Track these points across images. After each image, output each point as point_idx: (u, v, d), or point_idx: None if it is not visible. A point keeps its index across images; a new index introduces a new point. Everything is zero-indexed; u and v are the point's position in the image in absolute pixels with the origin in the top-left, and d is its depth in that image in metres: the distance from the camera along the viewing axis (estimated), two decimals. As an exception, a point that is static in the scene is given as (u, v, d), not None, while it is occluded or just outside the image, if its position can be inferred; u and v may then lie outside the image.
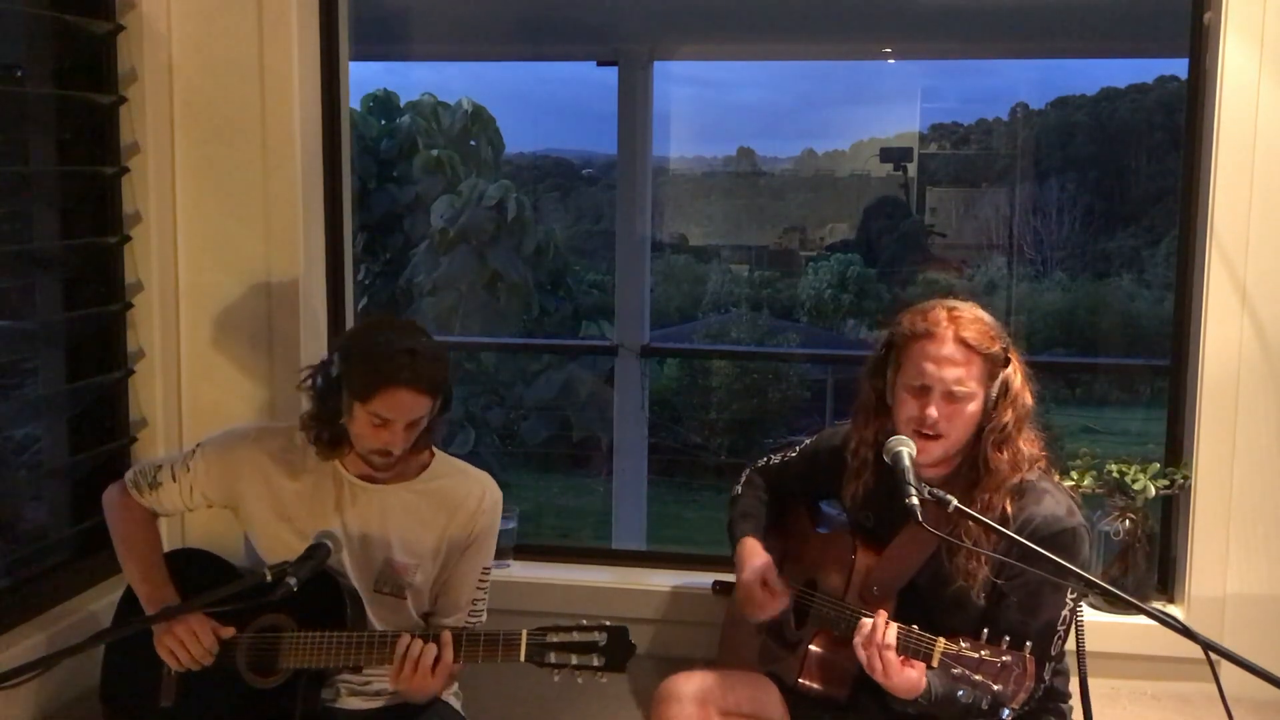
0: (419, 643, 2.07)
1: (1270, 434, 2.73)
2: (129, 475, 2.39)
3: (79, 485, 2.88)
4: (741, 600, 2.38)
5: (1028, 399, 2.16)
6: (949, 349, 2.10)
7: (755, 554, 2.39)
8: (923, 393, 2.11)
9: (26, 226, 2.84)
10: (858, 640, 2.01)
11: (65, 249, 2.85)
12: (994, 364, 2.12)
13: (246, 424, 2.41)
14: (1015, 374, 2.14)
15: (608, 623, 2.00)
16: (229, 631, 2.19)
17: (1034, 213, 7.53)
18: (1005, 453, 2.13)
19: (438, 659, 2.07)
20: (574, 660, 1.97)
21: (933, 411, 2.09)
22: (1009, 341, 2.16)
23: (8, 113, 2.71)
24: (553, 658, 1.98)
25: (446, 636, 2.08)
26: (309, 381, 2.28)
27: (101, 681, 2.36)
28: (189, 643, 2.16)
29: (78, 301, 2.86)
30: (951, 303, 2.17)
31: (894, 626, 1.99)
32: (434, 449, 2.37)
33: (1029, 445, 2.16)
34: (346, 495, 2.29)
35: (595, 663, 1.97)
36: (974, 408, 2.12)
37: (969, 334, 2.10)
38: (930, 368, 2.10)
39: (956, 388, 2.09)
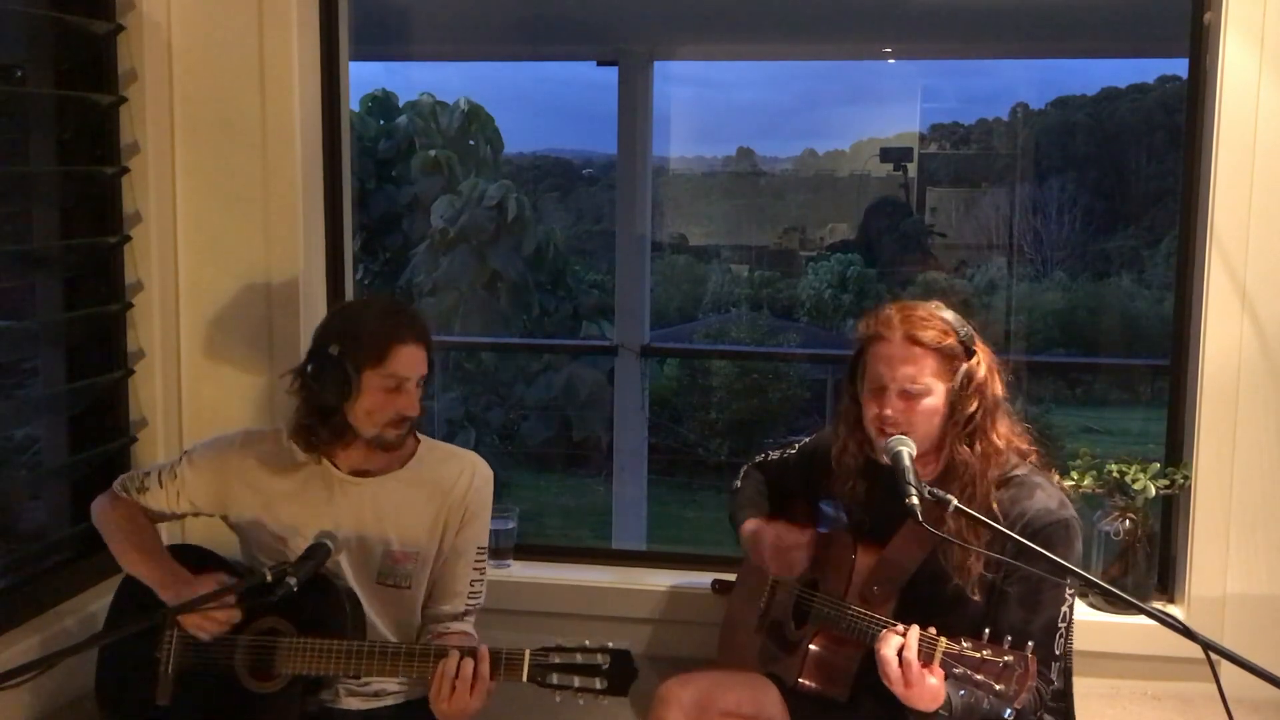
0: (455, 657, 2.03)
1: (1270, 434, 2.73)
2: (116, 482, 2.40)
3: (79, 485, 2.87)
4: (775, 553, 2.35)
5: (997, 389, 2.18)
6: (899, 348, 2.13)
7: (763, 525, 2.41)
8: (880, 393, 2.14)
9: (26, 226, 2.83)
10: (886, 651, 1.96)
11: (65, 249, 2.85)
12: (951, 358, 2.14)
13: (233, 431, 2.41)
14: (979, 365, 2.16)
15: (611, 645, 1.98)
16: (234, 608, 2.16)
17: (1034, 213, 7.53)
18: (977, 445, 2.14)
19: (477, 674, 2.02)
20: (576, 683, 1.96)
21: (889, 410, 2.12)
22: (971, 334, 2.17)
23: (8, 113, 2.71)
24: (555, 679, 1.97)
25: (484, 651, 2.04)
26: (298, 380, 2.26)
27: (97, 683, 2.35)
28: (208, 619, 2.15)
29: (78, 301, 2.86)
30: (905, 302, 2.21)
31: (914, 630, 1.97)
32: (418, 435, 2.37)
33: (1008, 438, 2.17)
34: (337, 492, 2.29)
35: (598, 686, 1.96)
36: (933, 402, 2.13)
37: (918, 331, 2.13)
38: (883, 368, 2.14)
39: (909, 385, 2.12)
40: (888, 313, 2.18)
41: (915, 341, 2.12)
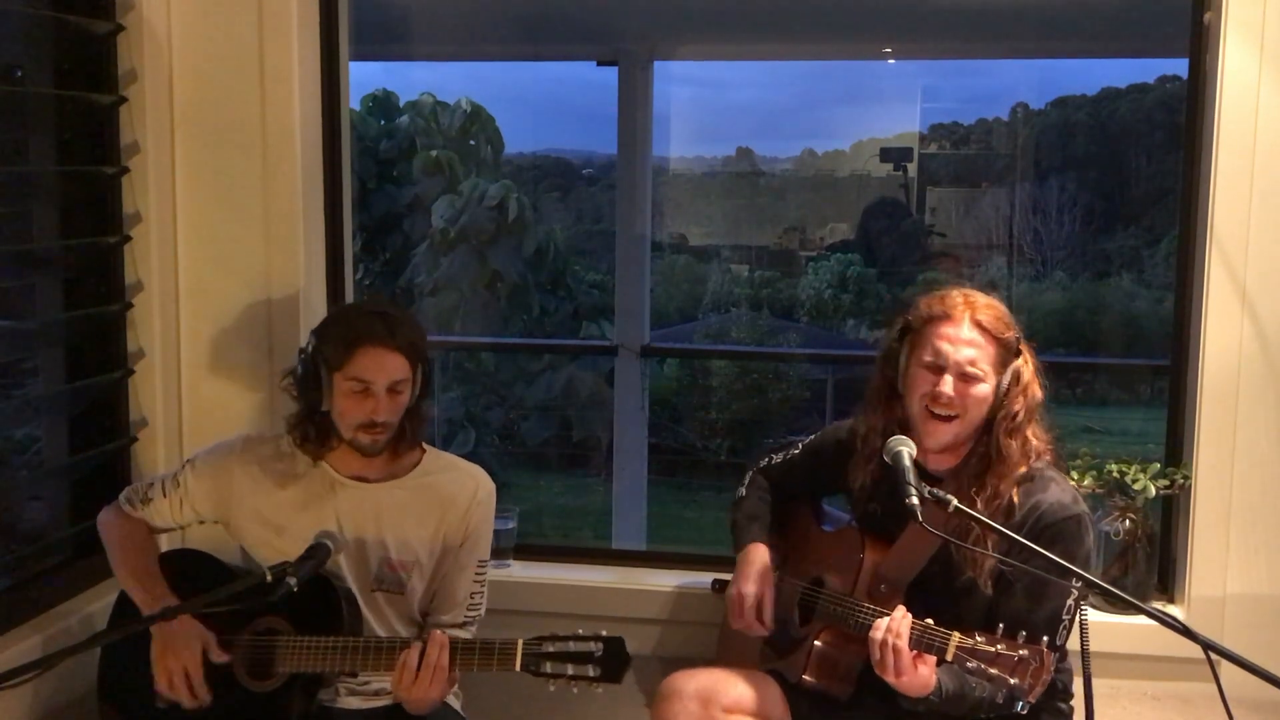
0: (416, 649, 2.06)
1: (1270, 434, 2.73)
2: (122, 494, 2.40)
3: (79, 485, 2.87)
4: (730, 612, 2.38)
5: (1037, 391, 2.20)
6: (965, 330, 2.15)
7: (759, 572, 2.38)
8: (938, 371, 2.15)
9: (26, 226, 2.83)
10: (873, 635, 2.01)
11: (65, 249, 2.85)
12: (1007, 351, 2.17)
13: (233, 436, 2.41)
14: (1026, 365, 2.19)
15: (604, 632, 1.98)
16: (223, 657, 2.16)
17: (1034, 213, 7.53)
18: (1016, 441, 2.16)
19: (436, 664, 2.04)
20: (570, 670, 1.96)
21: (947, 389, 2.13)
22: (1021, 334, 2.21)
23: (8, 113, 2.70)
24: (548, 668, 1.97)
25: (442, 639, 2.06)
26: (289, 378, 2.28)
27: (99, 682, 2.35)
28: (178, 680, 2.14)
29: (78, 301, 2.85)
30: (968, 289, 2.24)
31: (908, 620, 1.99)
32: (424, 445, 2.36)
33: (1037, 438, 2.20)
34: (339, 497, 2.29)
35: (591, 673, 1.96)
36: (985, 390, 2.15)
37: (984, 318, 2.16)
38: (946, 347, 2.15)
39: (970, 368, 2.14)
40: (954, 296, 2.20)
41: (981, 327, 2.16)
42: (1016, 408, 2.16)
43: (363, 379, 2.17)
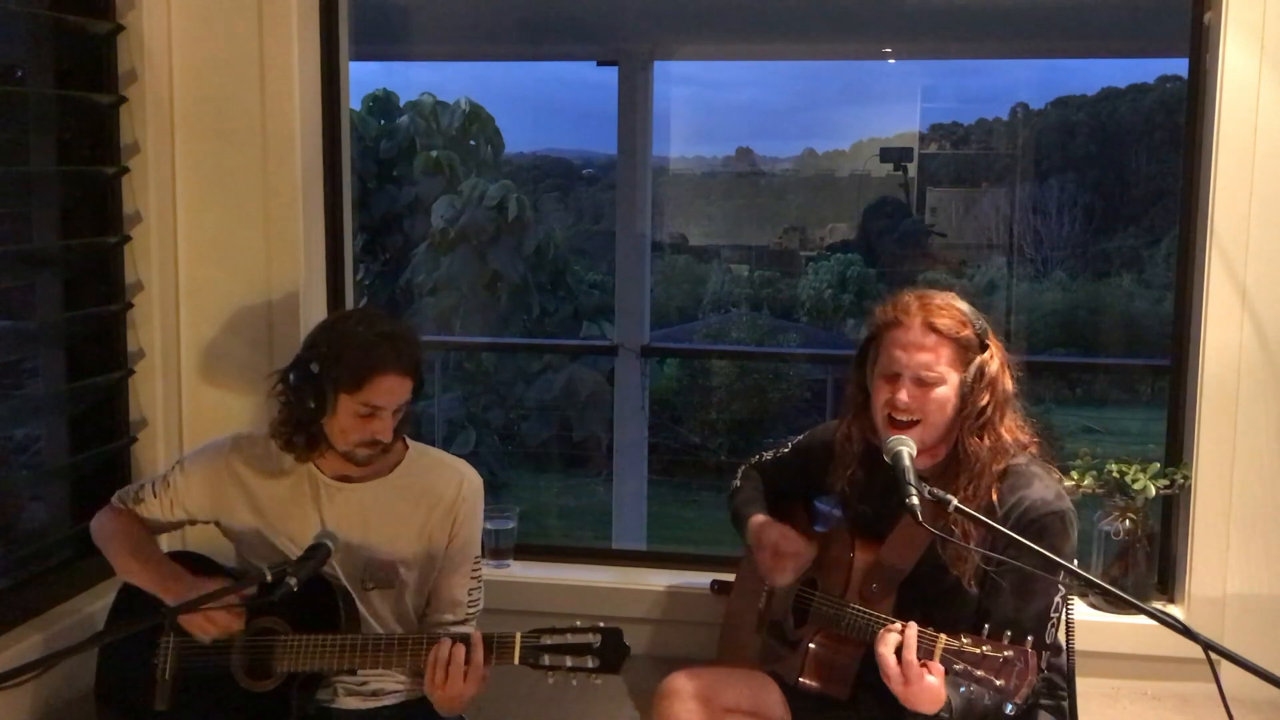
0: (446, 644, 2.06)
1: (1270, 434, 2.73)
2: (114, 497, 2.40)
3: (79, 485, 2.87)
4: (769, 570, 2.34)
5: (1007, 385, 2.18)
6: (916, 335, 2.13)
7: (767, 525, 2.39)
8: (894, 379, 2.14)
9: (26, 226, 2.83)
10: (884, 649, 1.97)
11: (65, 249, 2.85)
12: (966, 349, 2.14)
13: (222, 436, 2.40)
14: (992, 359, 2.16)
15: (602, 624, 1.99)
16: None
17: (1034, 213, 7.54)
18: (985, 439, 2.14)
19: (470, 661, 2.04)
20: (568, 662, 1.97)
21: (903, 395, 2.12)
22: (986, 328, 2.18)
23: (8, 113, 2.70)
24: (547, 660, 1.98)
25: (477, 637, 2.06)
26: (281, 384, 2.26)
27: (96, 683, 2.35)
28: (210, 621, 2.15)
29: (78, 301, 2.86)
30: (923, 290, 2.21)
31: (913, 629, 1.97)
32: (407, 441, 2.36)
33: (1013, 433, 2.18)
34: (324, 497, 2.29)
35: (590, 664, 1.96)
36: (945, 392, 2.13)
37: (937, 319, 2.13)
38: (899, 354, 2.14)
39: (924, 373, 2.12)
40: (906, 300, 2.18)
41: (933, 329, 2.13)
42: (982, 403, 2.14)
43: (373, 404, 2.17)
